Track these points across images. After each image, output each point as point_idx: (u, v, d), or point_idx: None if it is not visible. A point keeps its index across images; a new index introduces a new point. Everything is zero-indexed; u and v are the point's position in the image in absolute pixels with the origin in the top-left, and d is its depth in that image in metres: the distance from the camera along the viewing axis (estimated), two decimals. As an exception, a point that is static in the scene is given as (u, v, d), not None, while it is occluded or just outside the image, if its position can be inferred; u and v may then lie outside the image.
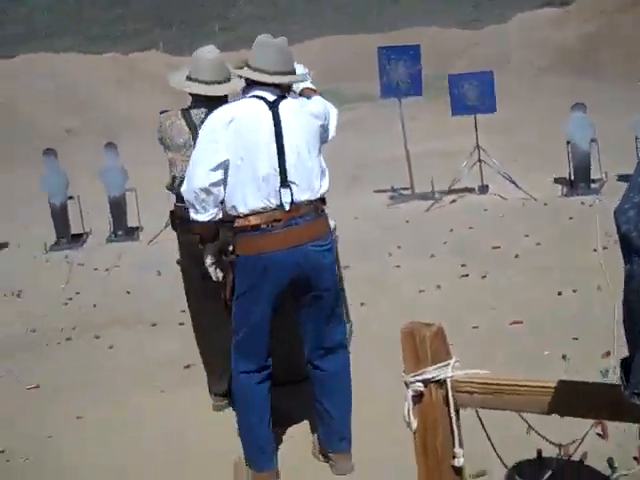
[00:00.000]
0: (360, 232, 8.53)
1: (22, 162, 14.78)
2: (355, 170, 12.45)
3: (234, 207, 3.50)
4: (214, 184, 3.46)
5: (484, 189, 9.95)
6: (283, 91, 3.65)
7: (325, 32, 73.23)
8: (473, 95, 9.68)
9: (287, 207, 3.48)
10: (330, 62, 46.19)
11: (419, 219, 9.18)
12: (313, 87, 4.04)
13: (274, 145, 3.48)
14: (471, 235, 8.11)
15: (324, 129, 3.72)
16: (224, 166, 3.46)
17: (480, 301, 6.09)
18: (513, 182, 9.54)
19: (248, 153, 3.46)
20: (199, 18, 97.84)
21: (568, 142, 9.44)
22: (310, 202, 3.55)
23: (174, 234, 4.62)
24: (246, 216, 3.48)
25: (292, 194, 3.49)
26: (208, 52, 4.35)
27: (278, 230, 3.47)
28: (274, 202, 3.46)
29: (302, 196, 3.52)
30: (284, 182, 3.48)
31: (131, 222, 10.15)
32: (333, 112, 3.84)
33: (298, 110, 3.59)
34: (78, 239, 9.97)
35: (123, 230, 9.90)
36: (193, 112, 4.32)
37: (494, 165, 9.75)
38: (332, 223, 3.93)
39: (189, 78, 4.33)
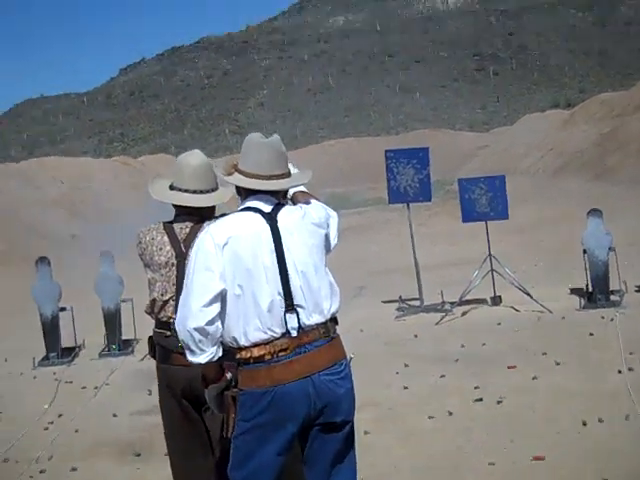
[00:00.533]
0: (364, 347, 8.01)
1: (20, 268, 14.46)
2: (362, 278, 12.04)
3: (234, 339, 3.08)
4: (211, 321, 3.02)
5: (497, 300, 9.46)
6: (279, 198, 3.25)
7: (335, 134, 74.60)
8: (484, 201, 9.27)
9: (294, 333, 3.07)
10: (341, 164, 46.79)
11: (428, 333, 8.65)
12: (305, 190, 3.64)
13: (276, 267, 3.07)
14: (484, 352, 7.56)
15: (327, 238, 3.29)
16: (221, 297, 3.03)
17: (496, 431, 5.50)
18: (527, 293, 9.04)
19: (247, 280, 3.04)
20: (210, 121, 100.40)
21: (584, 251, 8.97)
22: (320, 325, 3.13)
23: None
24: (248, 348, 3.06)
25: (299, 319, 3.08)
26: (192, 157, 3.90)
27: (285, 360, 3.05)
28: (279, 331, 3.05)
29: (311, 320, 3.10)
30: (289, 307, 3.07)
31: (127, 334, 9.67)
32: (334, 217, 3.42)
33: (299, 221, 3.17)
34: (69, 353, 9.45)
35: (117, 344, 9.38)
36: (176, 226, 3.86)
37: (507, 275, 9.28)
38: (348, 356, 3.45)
39: (172, 187, 3.91)
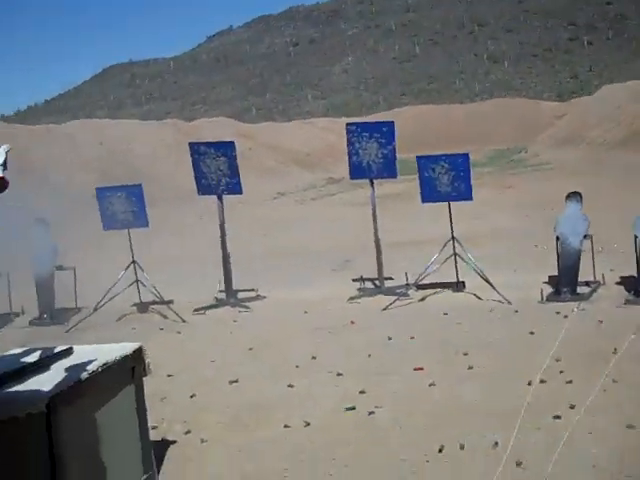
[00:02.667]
0: (286, 332, 7.23)
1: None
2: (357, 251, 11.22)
3: None
4: None
5: (459, 286, 8.46)
6: None
7: (418, 101, 72.90)
8: (446, 180, 8.27)
9: None
10: (421, 130, 45.45)
11: (367, 320, 7.76)
12: None
13: None
14: (404, 348, 6.63)
15: None
16: None
17: (327, 454, 4.61)
18: (486, 280, 8.01)
19: None
20: (293, 86, 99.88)
21: (557, 237, 7.86)
22: None
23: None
24: None
25: None
26: None
27: None
28: None
29: None
30: None
31: (66, 303, 9.13)
32: None
33: None
34: (2, 320, 8.98)
35: (49, 313, 8.84)
36: None
37: (469, 261, 8.25)
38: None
39: None
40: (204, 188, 9.39)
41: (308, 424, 5.08)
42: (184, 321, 8.55)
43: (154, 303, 9.15)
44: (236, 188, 9.28)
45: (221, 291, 9.43)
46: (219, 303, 9.24)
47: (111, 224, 9.25)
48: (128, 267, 9.09)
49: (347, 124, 9.17)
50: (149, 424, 5.26)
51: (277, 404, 5.54)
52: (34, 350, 4.39)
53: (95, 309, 8.92)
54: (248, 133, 36.16)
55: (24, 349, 4.48)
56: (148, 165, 23.57)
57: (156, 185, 21.01)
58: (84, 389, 3.76)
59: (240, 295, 9.47)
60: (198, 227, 16.01)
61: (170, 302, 9.16)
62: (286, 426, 5.09)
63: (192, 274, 10.83)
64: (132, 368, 4.27)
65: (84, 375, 3.78)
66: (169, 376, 6.49)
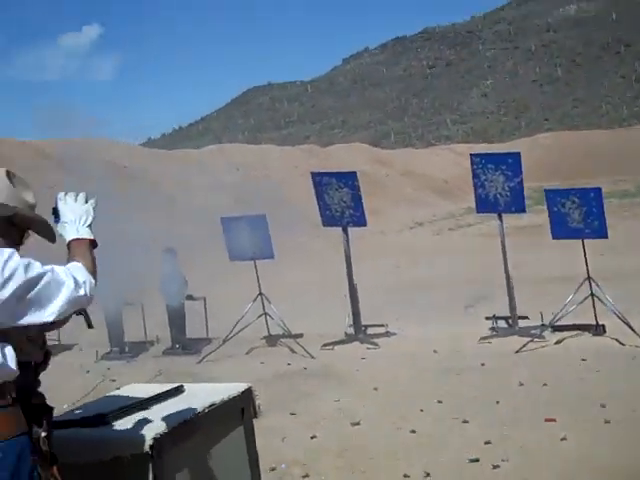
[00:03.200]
0: (410, 372, 7.02)
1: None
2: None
3: None
4: None
5: (599, 330, 8.00)
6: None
7: (562, 126, 70.78)
8: (577, 216, 7.90)
9: None
10: (560, 158, 44.13)
11: (498, 363, 7.45)
12: (85, 236, 2.79)
13: None
14: (536, 396, 6.29)
15: None
16: None
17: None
18: (627, 323, 7.54)
19: None
20: (431, 110, 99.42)
21: None
22: None
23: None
24: None
25: None
26: None
27: None
28: None
29: None
30: None
31: (198, 333, 9.32)
32: (61, 283, 2.50)
33: None
34: (139, 348, 9.25)
35: (181, 344, 9.03)
36: None
37: (606, 301, 7.80)
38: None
39: None
40: (328, 219, 9.35)
41: (428, 475, 4.88)
42: (312, 357, 8.51)
43: (283, 337, 9.16)
44: (360, 220, 9.20)
45: (350, 325, 9.34)
46: (348, 338, 9.14)
47: (237, 254, 9.34)
48: (255, 299, 9.16)
49: (471, 155, 8.93)
50: (269, 465, 5.25)
51: (398, 450, 5.37)
52: (145, 387, 4.44)
53: (224, 341, 9.04)
54: (384, 159, 36.19)
55: (133, 387, 4.54)
56: (282, 191, 23.93)
57: (290, 212, 21.28)
58: (190, 430, 3.72)
59: (370, 331, 9.36)
60: (328, 256, 16.02)
61: (299, 336, 9.16)
62: (405, 476, 4.91)
63: (322, 305, 10.82)
64: (242, 409, 4.22)
65: (191, 415, 3.76)
66: (292, 414, 6.45)
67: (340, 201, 9.18)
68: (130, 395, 4.17)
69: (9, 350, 2.51)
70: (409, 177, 35.00)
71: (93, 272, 2.63)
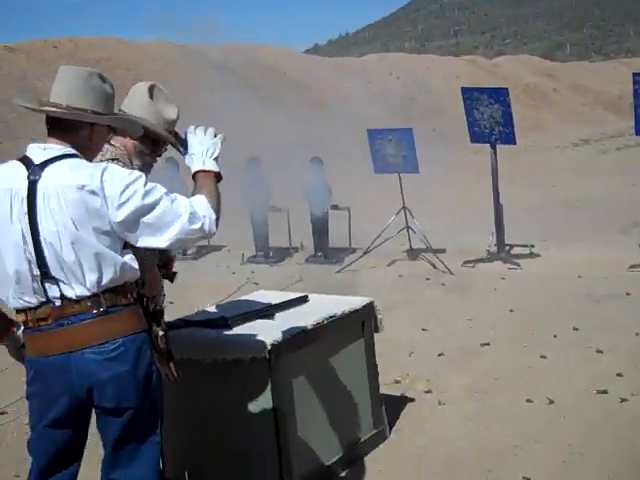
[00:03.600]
0: (549, 298, 6.82)
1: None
2: None
3: (2, 301, 2.72)
4: None
5: None
6: (79, 146, 2.65)
7: None
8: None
9: (57, 302, 2.60)
10: None
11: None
12: (211, 168, 2.88)
13: (28, 232, 2.57)
14: None
15: (108, 213, 2.56)
16: None
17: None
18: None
19: None
20: (612, 20, 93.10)
21: None
22: (86, 298, 2.60)
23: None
24: (16, 311, 2.69)
25: (60, 289, 2.60)
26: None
27: (47, 330, 2.62)
28: (34, 300, 2.61)
29: (72, 292, 2.60)
30: (45, 276, 2.59)
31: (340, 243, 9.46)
32: (178, 214, 2.61)
33: (63, 184, 2.56)
34: (284, 253, 9.52)
35: (323, 252, 9.21)
36: None
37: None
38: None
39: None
40: (476, 136, 9.11)
41: (552, 402, 4.79)
42: (452, 273, 8.45)
43: (425, 251, 9.13)
44: (509, 138, 8.89)
45: (495, 245, 9.16)
46: (490, 257, 8.99)
47: (382, 167, 9.32)
48: (399, 212, 9.14)
49: (633, 74, 8.19)
50: (393, 377, 5.33)
51: (524, 374, 5.29)
52: (273, 294, 4.57)
53: (366, 252, 9.12)
54: (554, 72, 34.47)
55: (262, 293, 4.70)
56: (442, 103, 23.41)
57: (447, 125, 20.88)
58: (308, 339, 3.84)
59: (514, 251, 9.15)
60: (476, 173, 15.63)
61: (441, 251, 9.10)
62: (528, 400, 4.84)
63: (467, 221, 10.66)
64: (362, 322, 4.28)
65: (310, 325, 3.86)
66: (424, 330, 6.48)
67: (490, 117, 8.89)
68: (258, 301, 4.33)
69: (131, 254, 2.67)
70: (579, 92, 33.22)
71: (216, 206, 2.72)
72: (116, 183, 2.55)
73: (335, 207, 9.47)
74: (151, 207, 2.56)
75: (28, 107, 2.68)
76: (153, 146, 3.26)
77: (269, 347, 3.60)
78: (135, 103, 3.16)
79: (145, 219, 2.56)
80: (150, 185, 2.59)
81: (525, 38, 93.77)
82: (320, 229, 9.28)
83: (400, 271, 8.71)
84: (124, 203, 2.54)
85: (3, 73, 17.43)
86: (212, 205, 2.69)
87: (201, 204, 2.67)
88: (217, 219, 2.69)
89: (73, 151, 2.63)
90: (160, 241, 2.61)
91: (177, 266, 9.24)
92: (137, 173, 2.63)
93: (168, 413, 3.33)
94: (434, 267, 8.77)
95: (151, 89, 3.19)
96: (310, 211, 9.31)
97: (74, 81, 2.64)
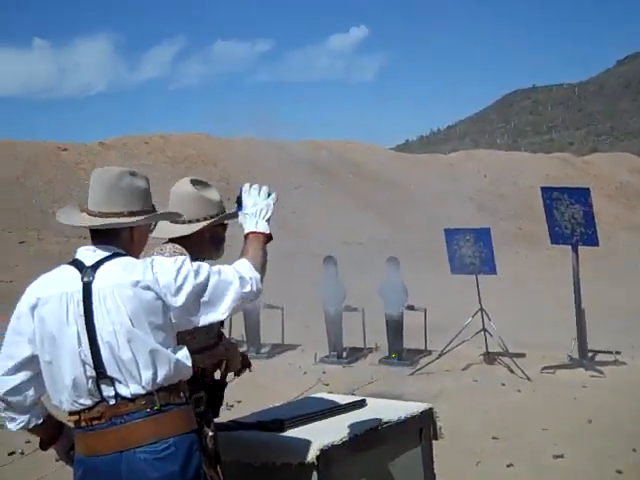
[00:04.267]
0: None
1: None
2: None
3: (55, 406, 2.74)
4: (13, 390, 2.73)
5: None
6: (123, 245, 2.72)
7: None
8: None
9: (112, 402, 2.62)
10: None
11: None
12: (262, 230, 2.96)
13: (84, 334, 2.62)
14: None
15: (161, 301, 2.61)
16: (30, 364, 2.72)
17: None
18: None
19: (52, 347, 2.66)
20: None
21: None
22: (141, 396, 2.62)
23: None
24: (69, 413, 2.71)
25: (115, 388, 2.63)
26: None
27: (99, 429, 2.62)
28: (89, 402, 2.63)
29: (127, 390, 2.62)
30: (102, 376, 2.62)
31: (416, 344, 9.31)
32: (228, 282, 2.67)
33: (116, 280, 2.61)
34: (357, 353, 9.41)
35: (398, 353, 9.07)
36: None
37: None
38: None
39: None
40: (557, 236, 8.91)
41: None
42: (529, 379, 8.15)
43: (503, 355, 8.86)
44: (592, 239, 8.66)
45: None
46: (572, 363, 8.64)
47: (458, 268, 9.19)
48: (475, 314, 8.95)
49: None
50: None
51: (597, 493, 4.99)
52: (331, 397, 4.48)
53: (441, 354, 8.92)
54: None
55: (319, 396, 4.61)
56: (530, 201, 23.09)
57: (534, 224, 20.54)
58: (361, 445, 3.70)
59: (598, 357, 8.79)
60: (563, 273, 15.15)
61: (520, 355, 8.84)
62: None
63: (547, 325, 10.33)
64: (420, 429, 4.13)
65: (364, 430, 3.74)
66: (494, 439, 6.23)
67: (571, 218, 8.71)
68: (315, 404, 4.25)
69: (185, 351, 2.69)
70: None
71: (261, 267, 2.80)
72: (167, 272, 2.61)
73: (411, 308, 9.35)
74: (205, 284, 2.62)
75: (71, 225, 2.78)
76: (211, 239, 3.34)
77: (317, 452, 3.50)
78: (182, 197, 3.27)
79: (203, 297, 2.63)
80: (195, 264, 2.66)
81: (622, 134, 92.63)
82: (395, 330, 9.15)
83: (475, 376, 8.45)
84: (181, 287, 2.60)
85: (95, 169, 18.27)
86: (255, 266, 2.75)
87: (245, 267, 2.73)
88: (261, 278, 2.76)
89: (122, 251, 2.70)
90: (219, 313, 2.67)
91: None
92: (181, 257, 2.70)
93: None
94: (511, 372, 8.48)
95: (192, 182, 3.31)
96: (385, 311, 9.21)
97: (106, 186, 2.72)
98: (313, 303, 10.07)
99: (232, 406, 7.32)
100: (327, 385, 8.06)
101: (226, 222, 3.38)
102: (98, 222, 2.67)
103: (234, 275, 2.69)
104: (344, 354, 9.39)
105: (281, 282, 10.00)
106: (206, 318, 2.67)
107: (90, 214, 2.70)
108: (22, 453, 5.84)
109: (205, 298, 2.63)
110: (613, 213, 24.86)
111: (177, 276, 2.61)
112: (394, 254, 9.93)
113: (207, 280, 2.64)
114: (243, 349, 9.87)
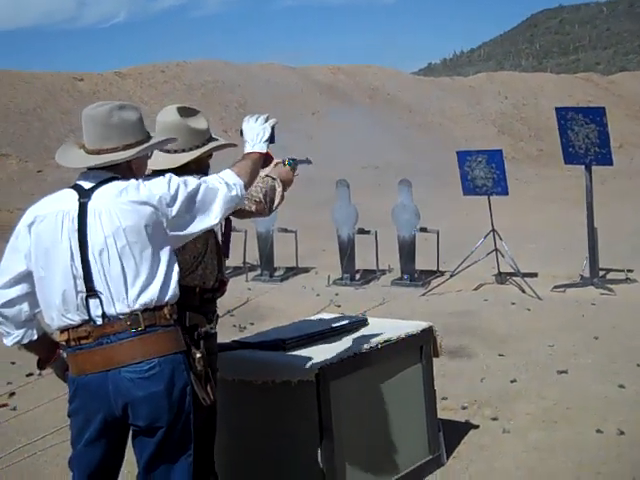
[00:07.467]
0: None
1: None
2: None
3: (47, 323, 2.88)
4: (8, 303, 2.86)
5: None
6: (122, 171, 2.81)
7: None
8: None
9: (99, 321, 2.72)
10: None
11: None
12: (257, 150, 3.11)
13: (77, 249, 2.71)
14: None
15: (160, 217, 2.72)
16: (26, 279, 2.84)
17: None
18: None
19: (46, 262, 2.77)
20: None
21: None
22: (126, 315, 2.71)
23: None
24: (59, 331, 2.83)
25: (102, 306, 2.72)
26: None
27: (87, 349, 2.73)
28: (77, 318, 2.73)
29: (113, 309, 2.71)
30: (91, 292, 2.71)
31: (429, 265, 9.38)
32: (215, 189, 2.83)
33: (111, 200, 2.72)
34: (369, 275, 9.51)
35: (409, 274, 9.14)
36: None
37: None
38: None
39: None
40: (570, 157, 8.84)
41: (622, 433, 4.57)
42: (539, 298, 8.21)
43: (515, 275, 8.91)
44: (606, 159, 8.58)
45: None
46: (582, 282, 8.68)
47: (470, 189, 9.18)
48: (487, 235, 8.97)
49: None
50: (462, 403, 5.23)
51: (599, 404, 5.07)
52: (333, 318, 4.57)
53: (452, 275, 8.99)
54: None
55: (322, 316, 4.70)
56: (551, 122, 22.72)
57: (555, 145, 20.30)
58: (360, 363, 3.82)
59: (610, 275, 8.82)
60: (567, 194, 15.07)
61: (533, 275, 8.89)
62: (598, 431, 4.63)
63: (559, 246, 10.33)
64: (420, 347, 4.22)
65: (362, 349, 3.84)
66: (500, 355, 6.33)
67: (585, 138, 8.62)
68: (317, 324, 4.34)
69: (174, 275, 2.77)
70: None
71: (246, 175, 2.96)
72: (160, 185, 2.75)
73: (424, 229, 9.38)
74: (195, 192, 2.77)
75: (70, 167, 2.85)
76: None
77: (317, 370, 3.61)
78: (167, 127, 3.28)
79: (195, 204, 2.77)
80: (182, 177, 2.81)
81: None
82: (407, 252, 9.21)
83: (486, 295, 8.52)
84: (175, 196, 2.73)
85: (112, 98, 18.24)
86: (238, 174, 2.91)
87: (227, 174, 2.89)
88: (245, 185, 2.92)
89: (119, 176, 2.78)
90: (211, 219, 2.82)
91: (263, 287, 9.40)
92: (168, 174, 2.82)
93: (224, 428, 3.50)
94: (522, 291, 8.55)
95: (179, 109, 3.32)
96: (397, 233, 9.26)
97: (97, 124, 2.79)
98: (327, 227, 10.16)
99: (245, 328, 7.49)
100: (339, 307, 8.16)
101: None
102: (95, 160, 2.77)
103: (219, 182, 2.85)
104: (357, 276, 9.49)
105: (297, 208, 10.10)
106: (199, 224, 2.81)
107: (87, 152, 2.80)
108: (40, 374, 6.03)
109: (198, 204, 2.77)
110: (638, 133, 24.48)
111: (169, 187, 2.75)
112: (409, 177, 9.93)
113: (197, 187, 2.78)
114: (256, 273, 10.01)
